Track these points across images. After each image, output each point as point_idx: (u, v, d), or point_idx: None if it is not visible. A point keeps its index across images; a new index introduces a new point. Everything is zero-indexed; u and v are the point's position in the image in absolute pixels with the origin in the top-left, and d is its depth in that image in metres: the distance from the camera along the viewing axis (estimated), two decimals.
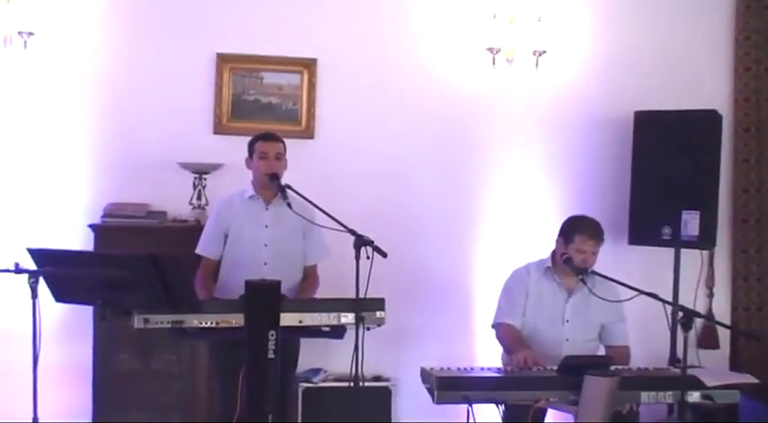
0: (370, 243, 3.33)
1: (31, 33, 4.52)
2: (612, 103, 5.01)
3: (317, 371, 4.75)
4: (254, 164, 3.98)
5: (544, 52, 4.82)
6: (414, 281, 4.92)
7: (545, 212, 4.86)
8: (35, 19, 4.53)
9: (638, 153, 4.79)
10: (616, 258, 4.82)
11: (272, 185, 3.90)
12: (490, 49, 4.80)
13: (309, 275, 4.11)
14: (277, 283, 3.36)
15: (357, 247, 3.33)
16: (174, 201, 4.66)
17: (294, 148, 4.43)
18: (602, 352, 3.98)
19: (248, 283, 3.34)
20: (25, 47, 4.51)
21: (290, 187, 3.82)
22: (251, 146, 4.00)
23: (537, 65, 4.82)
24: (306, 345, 4.15)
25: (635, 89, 4.99)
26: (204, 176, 4.62)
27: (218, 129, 4.78)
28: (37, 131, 4.66)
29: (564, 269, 3.84)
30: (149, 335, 3.80)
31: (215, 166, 4.60)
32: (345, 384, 4.56)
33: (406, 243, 4.85)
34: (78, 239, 4.49)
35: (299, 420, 4.63)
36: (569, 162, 5.06)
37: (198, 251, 4.05)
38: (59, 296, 3.29)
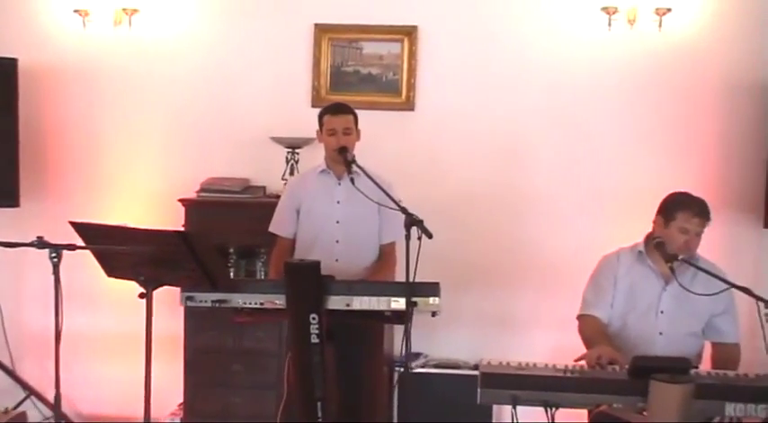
0: (419, 223, 3.05)
1: (135, 10, 4.64)
2: (748, 67, 4.42)
3: (416, 355, 4.55)
4: (324, 139, 3.79)
5: (669, 10, 4.29)
6: (526, 266, 4.64)
7: (669, 191, 4.34)
8: None
9: None
10: (747, 243, 4.30)
11: (340, 159, 3.69)
12: (605, 10, 4.34)
13: (384, 255, 3.88)
14: (316, 264, 3.15)
15: (407, 226, 3.06)
16: (273, 176, 4.58)
17: (394, 121, 4.36)
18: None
19: (287, 265, 3.16)
20: (130, 25, 4.62)
21: (354, 162, 3.60)
22: (320, 119, 3.81)
23: (660, 25, 4.31)
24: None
25: None
26: (297, 151, 4.50)
27: (317, 101, 4.65)
28: (137, 107, 4.76)
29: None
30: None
31: (307, 141, 4.45)
32: (445, 371, 4.43)
33: (515, 225, 4.65)
34: (172, 215, 4.48)
35: (395, 406, 4.44)
36: (696, 135, 4.51)
37: (270, 229, 3.93)
38: (109, 272, 3.26)
